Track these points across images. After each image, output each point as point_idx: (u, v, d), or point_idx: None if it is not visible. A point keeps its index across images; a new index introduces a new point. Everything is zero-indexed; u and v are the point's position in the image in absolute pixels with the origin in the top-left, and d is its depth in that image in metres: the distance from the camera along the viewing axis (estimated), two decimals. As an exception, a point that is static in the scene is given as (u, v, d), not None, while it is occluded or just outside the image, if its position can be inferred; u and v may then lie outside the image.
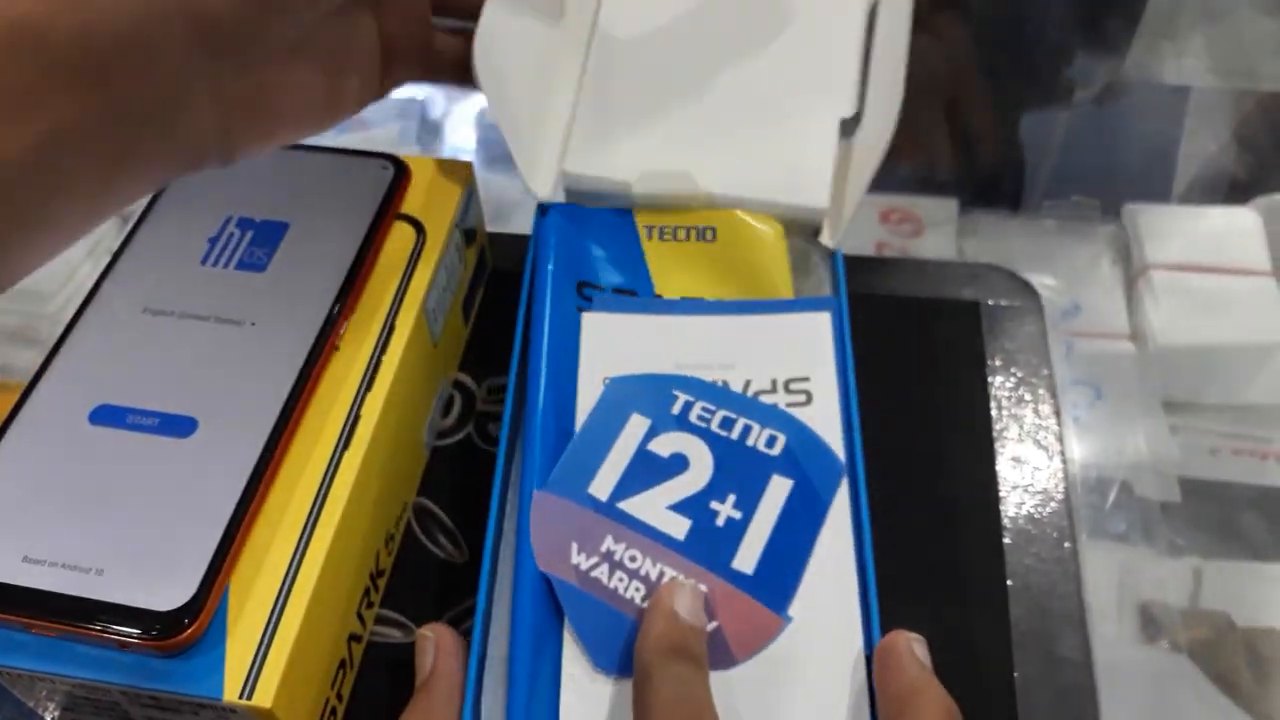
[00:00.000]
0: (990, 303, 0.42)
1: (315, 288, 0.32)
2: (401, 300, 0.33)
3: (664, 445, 0.30)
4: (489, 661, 0.28)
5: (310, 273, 0.32)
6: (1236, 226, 0.75)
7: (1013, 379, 0.40)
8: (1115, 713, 0.33)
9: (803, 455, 0.30)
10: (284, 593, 0.27)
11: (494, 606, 0.29)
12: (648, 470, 0.29)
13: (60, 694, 0.27)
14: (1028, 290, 0.43)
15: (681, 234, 0.34)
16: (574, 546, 0.28)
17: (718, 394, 0.31)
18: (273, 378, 0.30)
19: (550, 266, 0.33)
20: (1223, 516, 0.66)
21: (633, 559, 0.28)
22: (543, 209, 0.35)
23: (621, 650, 0.26)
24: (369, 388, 0.31)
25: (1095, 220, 0.75)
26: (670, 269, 0.34)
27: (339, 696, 0.30)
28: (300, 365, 0.30)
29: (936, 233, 0.74)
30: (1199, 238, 0.74)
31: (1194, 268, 0.72)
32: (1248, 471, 0.67)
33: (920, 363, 0.40)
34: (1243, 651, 0.56)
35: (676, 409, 0.31)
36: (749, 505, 0.29)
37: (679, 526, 0.28)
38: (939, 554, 0.35)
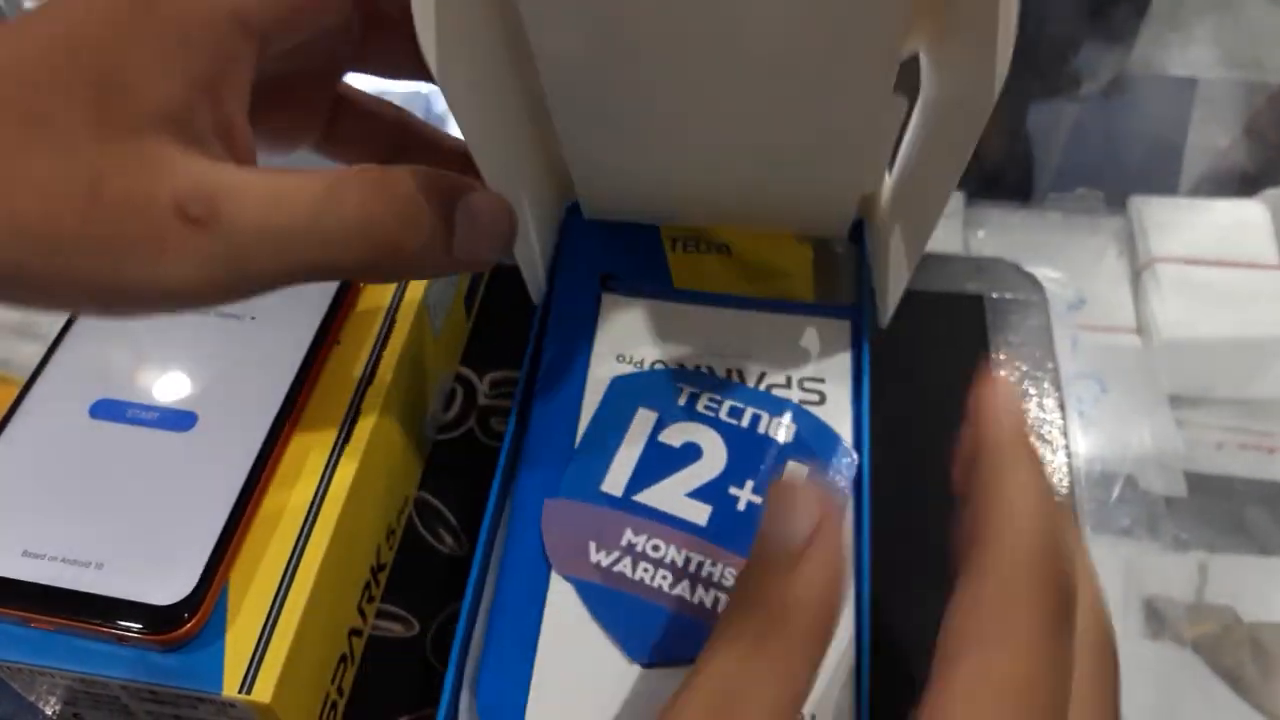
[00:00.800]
0: (995, 296, 0.42)
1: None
2: (402, 293, 0.33)
3: (674, 435, 0.30)
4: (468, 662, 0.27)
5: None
6: (1243, 220, 0.74)
7: (1017, 372, 0.40)
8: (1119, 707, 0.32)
9: (814, 442, 0.30)
10: (284, 587, 0.27)
11: (481, 603, 0.28)
12: (661, 461, 0.29)
13: (60, 688, 0.27)
14: (1032, 283, 0.43)
15: (705, 246, 0.34)
16: (592, 545, 0.28)
17: (722, 385, 0.31)
18: (273, 371, 0.30)
19: (575, 259, 0.33)
20: (1228, 511, 0.66)
21: (655, 548, 0.28)
22: (570, 212, 0.35)
23: (655, 637, 0.26)
24: (370, 381, 0.31)
25: (1101, 213, 0.75)
26: (694, 277, 0.34)
27: (339, 691, 0.30)
28: (301, 359, 0.30)
29: (942, 225, 0.74)
30: (1205, 231, 0.73)
31: (1200, 261, 0.72)
32: (1254, 466, 0.67)
33: (924, 356, 0.40)
34: (1247, 646, 0.56)
35: (682, 400, 0.30)
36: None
37: (700, 513, 0.28)
38: (942, 548, 0.35)
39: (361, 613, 0.31)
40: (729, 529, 0.28)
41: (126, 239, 0.18)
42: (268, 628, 0.26)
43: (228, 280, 0.20)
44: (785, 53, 0.25)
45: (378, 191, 0.21)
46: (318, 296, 0.31)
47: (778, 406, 0.30)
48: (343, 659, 0.30)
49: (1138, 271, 0.72)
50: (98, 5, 0.19)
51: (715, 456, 0.29)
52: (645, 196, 0.33)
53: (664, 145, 0.31)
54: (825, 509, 0.20)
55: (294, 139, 0.26)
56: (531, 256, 0.31)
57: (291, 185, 0.20)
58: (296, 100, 0.25)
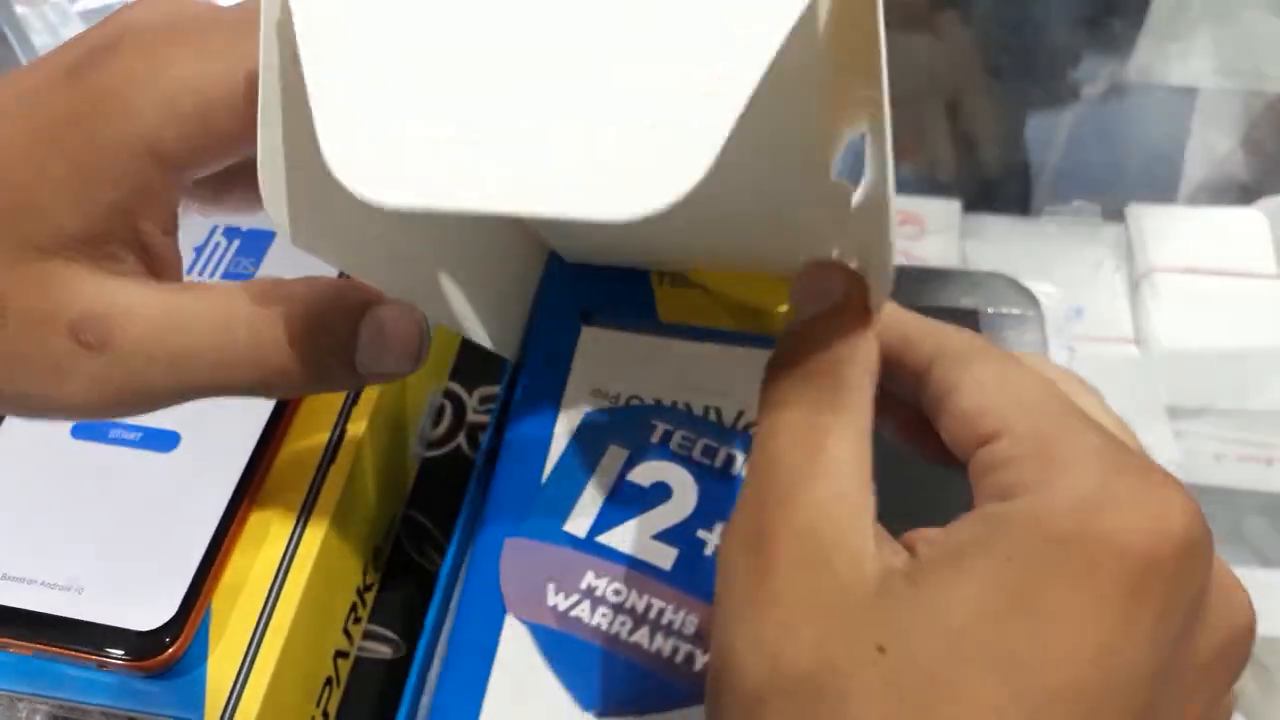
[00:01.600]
0: (990, 311, 0.41)
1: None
2: (391, 310, 0.33)
3: (644, 474, 0.29)
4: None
5: (297, 283, 0.32)
6: (1242, 228, 0.74)
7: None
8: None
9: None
10: (267, 611, 0.26)
11: (438, 645, 0.27)
12: (628, 501, 0.28)
13: (40, 714, 0.27)
14: (1028, 298, 0.42)
15: (692, 282, 0.33)
16: (551, 588, 0.27)
17: (697, 423, 0.30)
18: (258, 391, 0.29)
19: (557, 290, 0.32)
20: (1228, 523, 0.65)
21: (616, 592, 0.27)
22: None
23: (609, 686, 0.25)
24: (355, 400, 0.31)
25: (1099, 223, 0.75)
26: (680, 311, 0.33)
27: (324, 714, 0.30)
28: (286, 378, 0.30)
29: (939, 235, 0.74)
30: (1203, 240, 0.73)
31: (1199, 270, 0.71)
32: (1253, 477, 0.67)
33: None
34: (1247, 661, 0.56)
35: (656, 438, 0.29)
36: None
37: (665, 556, 0.27)
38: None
39: (347, 634, 0.31)
40: (694, 574, 0.27)
41: (25, 358, 0.20)
42: (250, 653, 0.26)
43: (119, 399, 0.20)
44: (731, 187, 0.25)
45: (268, 316, 0.21)
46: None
47: (749, 446, 0.30)
48: (328, 682, 0.30)
49: (1136, 281, 0.71)
50: (17, 131, 0.19)
51: (685, 497, 0.28)
52: (621, 254, 0.33)
53: (633, 237, 0.30)
54: (850, 275, 0.21)
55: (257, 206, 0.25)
56: (486, 329, 0.30)
57: (187, 308, 0.20)
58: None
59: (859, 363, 0.20)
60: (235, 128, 0.20)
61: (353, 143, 0.16)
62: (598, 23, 0.17)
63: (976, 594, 0.16)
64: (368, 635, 0.32)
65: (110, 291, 0.20)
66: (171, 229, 0.21)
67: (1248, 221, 0.74)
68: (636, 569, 0.27)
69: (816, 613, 0.17)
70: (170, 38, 0.20)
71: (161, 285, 0.21)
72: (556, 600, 0.26)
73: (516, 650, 0.26)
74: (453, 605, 0.28)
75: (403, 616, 0.33)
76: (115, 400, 0.20)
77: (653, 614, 0.26)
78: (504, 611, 0.26)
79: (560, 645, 0.26)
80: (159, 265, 0.21)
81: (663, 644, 0.26)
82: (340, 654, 0.30)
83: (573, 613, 0.26)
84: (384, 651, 0.32)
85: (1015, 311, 0.41)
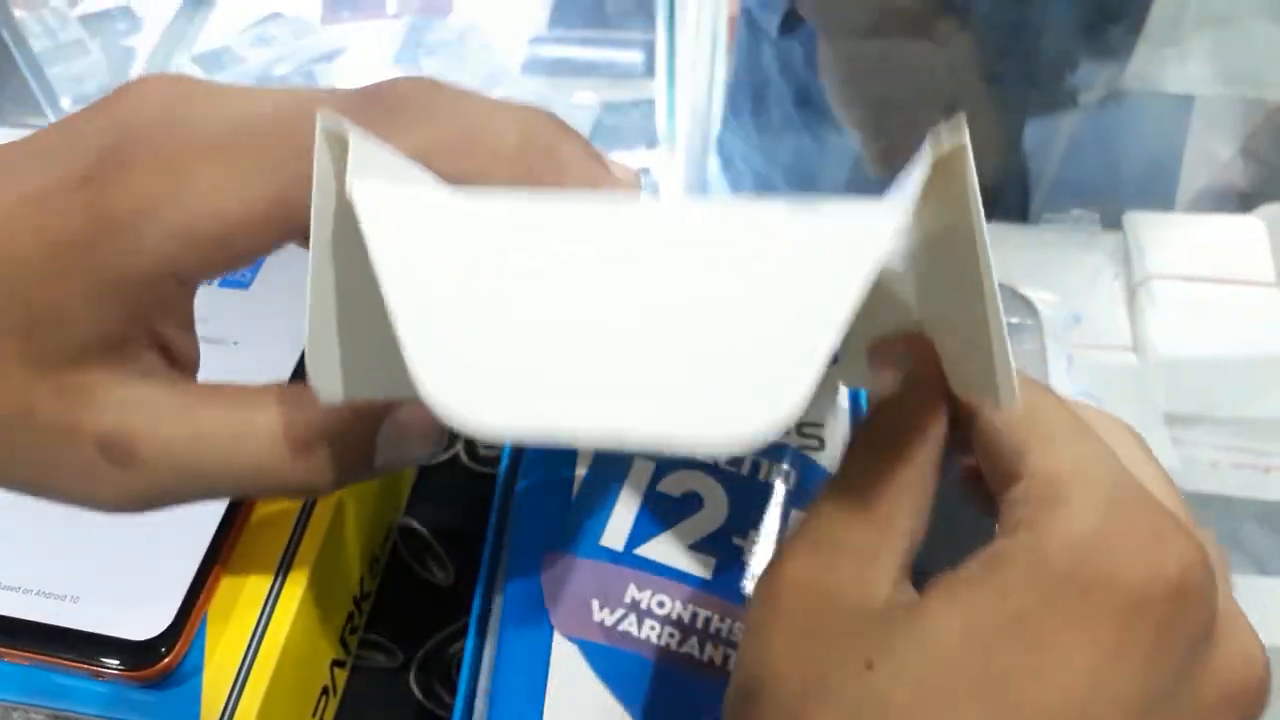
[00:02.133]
0: (989, 319, 0.41)
1: (300, 304, 0.31)
2: (389, 318, 0.33)
3: (673, 485, 0.29)
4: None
5: (295, 289, 0.32)
6: (1240, 236, 0.74)
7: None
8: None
9: (816, 488, 0.29)
10: (263, 620, 0.26)
11: (481, 668, 0.27)
12: (661, 512, 0.28)
13: (35, 723, 0.27)
14: (1027, 306, 0.42)
15: None
16: (595, 603, 0.27)
17: None
18: (255, 398, 0.29)
19: None
20: (1225, 531, 0.65)
21: (660, 604, 0.26)
22: None
23: (666, 699, 0.25)
24: (354, 408, 0.31)
25: (1097, 230, 0.75)
26: None
27: (321, 724, 0.30)
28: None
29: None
30: (1202, 247, 0.73)
31: (1196, 278, 0.71)
32: (1250, 485, 0.67)
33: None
34: (1245, 669, 0.56)
35: None
36: (775, 539, 0.28)
37: (704, 565, 0.27)
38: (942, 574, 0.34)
39: (344, 644, 0.31)
40: (735, 581, 0.27)
41: (52, 464, 0.20)
42: (246, 662, 0.26)
43: (146, 504, 0.21)
44: None
45: (291, 429, 0.21)
46: (299, 321, 0.31)
47: (777, 453, 0.30)
48: (325, 691, 0.30)
49: (1134, 289, 0.71)
50: (32, 244, 0.19)
51: (717, 506, 0.28)
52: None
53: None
54: (922, 348, 0.21)
55: (276, 246, 0.26)
56: None
57: (210, 420, 0.21)
58: None
59: (924, 437, 0.21)
60: (253, 246, 0.20)
61: (453, 382, 0.17)
62: (685, 274, 0.18)
63: (967, 622, 0.17)
64: (365, 644, 0.32)
65: (134, 403, 0.20)
66: (188, 324, 0.22)
67: (1246, 229, 0.74)
68: (678, 579, 0.27)
69: (819, 631, 0.18)
70: (185, 154, 0.19)
71: (185, 391, 0.21)
72: (603, 616, 0.26)
73: (569, 669, 0.26)
74: (492, 627, 0.27)
75: (400, 625, 0.33)
76: (139, 504, 0.21)
77: (699, 623, 0.26)
78: (550, 630, 0.26)
79: (612, 661, 0.26)
80: (177, 357, 0.22)
81: (713, 653, 0.26)
82: (337, 663, 0.30)
83: (620, 627, 0.26)
84: (381, 660, 0.32)
85: (1014, 319, 0.41)
